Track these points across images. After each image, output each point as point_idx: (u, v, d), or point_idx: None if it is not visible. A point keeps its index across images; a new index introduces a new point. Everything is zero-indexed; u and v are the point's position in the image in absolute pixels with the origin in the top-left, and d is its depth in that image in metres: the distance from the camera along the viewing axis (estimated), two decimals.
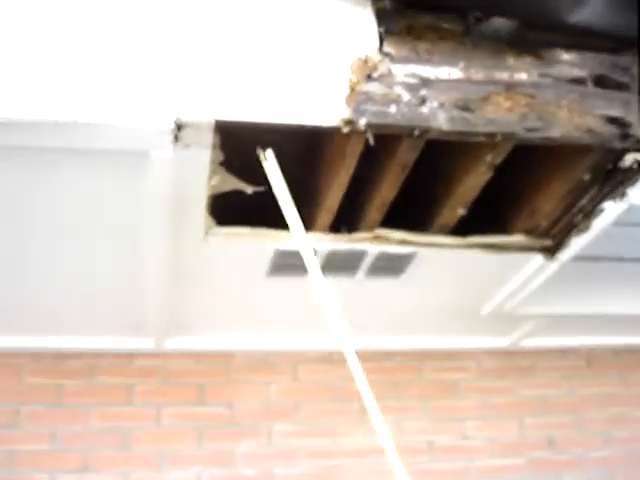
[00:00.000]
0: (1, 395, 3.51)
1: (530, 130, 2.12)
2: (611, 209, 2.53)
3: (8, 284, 2.89)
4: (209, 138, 1.99)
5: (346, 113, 1.98)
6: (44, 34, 1.90)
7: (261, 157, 2.14)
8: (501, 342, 3.89)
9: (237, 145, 2.09)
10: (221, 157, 2.12)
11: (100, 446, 3.48)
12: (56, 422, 3.49)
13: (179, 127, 1.92)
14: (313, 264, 2.05)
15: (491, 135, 2.10)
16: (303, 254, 2.08)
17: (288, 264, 2.72)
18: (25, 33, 1.89)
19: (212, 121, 1.92)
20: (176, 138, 1.95)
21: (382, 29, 2.12)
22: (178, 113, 1.90)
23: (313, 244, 2.61)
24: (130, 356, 3.65)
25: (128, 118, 1.88)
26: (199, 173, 2.16)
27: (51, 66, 1.87)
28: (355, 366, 2.02)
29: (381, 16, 2.14)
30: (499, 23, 2.21)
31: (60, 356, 3.58)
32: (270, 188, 2.17)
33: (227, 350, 3.69)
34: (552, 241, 2.72)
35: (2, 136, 1.89)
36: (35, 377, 3.56)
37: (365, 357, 3.83)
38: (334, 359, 3.71)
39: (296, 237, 2.09)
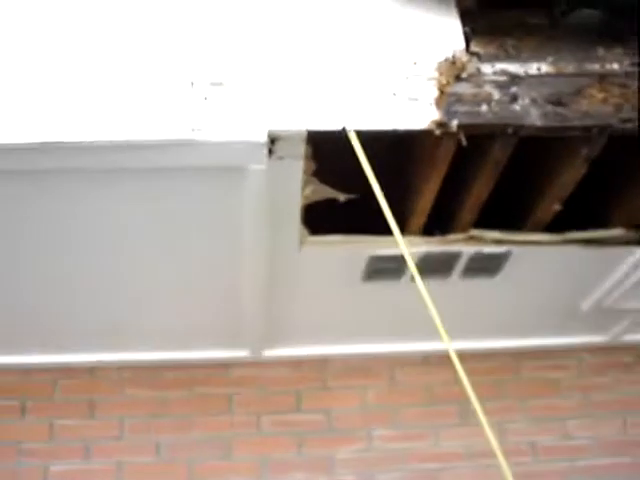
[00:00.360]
0: (105, 408, 3.61)
1: (626, 121, 2.07)
2: None
3: (109, 305, 2.99)
4: (301, 149, 2.01)
5: (437, 115, 1.98)
6: (150, 59, 1.99)
7: (350, 136, 2.12)
8: (601, 338, 3.78)
9: (326, 153, 2.12)
10: (313, 167, 2.14)
11: (203, 455, 3.55)
12: (160, 433, 3.57)
13: (273, 140, 1.95)
14: (409, 262, 2.05)
15: (587, 129, 2.05)
16: (399, 246, 2.07)
17: (383, 269, 2.73)
18: (134, 55, 1.98)
19: (304, 132, 1.95)
20: (270, 151, 1.98)
21: (467, 29, 2.12)
22: (271, 126, 1.93)
23: (407, 247, 2.61)
24: (226, 366, 3.70)
25: (223, 134, 1.93)
26: (292, 184, 2.19)
27: (154, 90, 1.95)
28: (458, 368, 2.00)
29: (466, 16, 2.14)
30: (586, 14, 2.18)
31: (160, 368, 3.66)
32: (361, 195, 2.19)
33: (323, 356, 3.70)
34: None
35: (104, 159, 1.97)
36: (137, 389, 3.65)
37: (462, 358, 3.80)
38: (431, 362, 3.69)
39: (389, 219, 2.07)
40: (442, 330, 2.03)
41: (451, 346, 2.03)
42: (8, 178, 2.12)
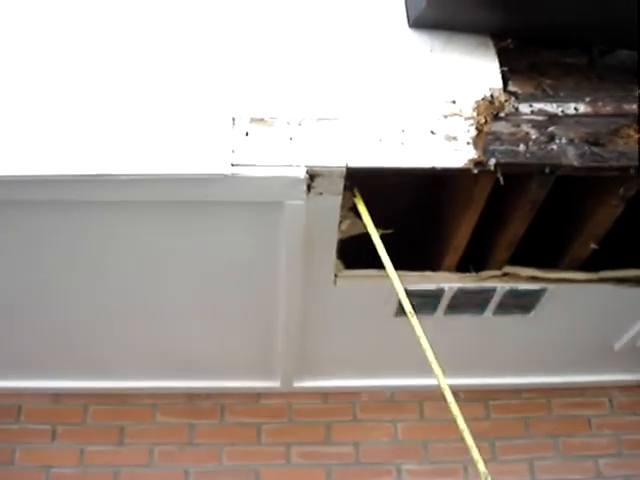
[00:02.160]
0: (135, 435, 3.62)
1: None
2: None
3: (143, 333, 3.03)
4: (340, 185, 2.04)
5: (475, 154, 2.00)
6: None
7: (355, 195, 2.17)
8: (633, 377, 3.74)
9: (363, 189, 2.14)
10: (351, 202, 2.16)
11: None
12: (189, 461, 3.57)
13: (312, 177, 1.98)
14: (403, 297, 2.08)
15: (623, 169, 2.05)
16: (399, 294, 2.12)
17: (416, 303, 2.72)
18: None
19: (343, 168, 1.97)
20: (309, 187, 2.00)
21: (506, 68, 2.14)
22: (310, 162, 1.96)
23: (441, 284, 2.62)
24: (257, 396, 3.71)
25: (262, 170, 1.96)
26: (330, 219, 2.21)
27: (195, 125, 1.98)
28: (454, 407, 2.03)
29: (504, 55, 2.16)
30: (624, 55, 2.18)
31: (190, 396, 3.68)
32: (395, 230, 2.21)
33: (353, 388, 3.70)
34: None
35: (145, 192, 2.01)
36: (167, 417, 3.66)
37: (493, 395, 3.77)
38: (460, 397, 3.66)
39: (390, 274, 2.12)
40: (435, 365, 2.05)
41: (444, 381, 2.06)
42: (52, 208, 2.17)
